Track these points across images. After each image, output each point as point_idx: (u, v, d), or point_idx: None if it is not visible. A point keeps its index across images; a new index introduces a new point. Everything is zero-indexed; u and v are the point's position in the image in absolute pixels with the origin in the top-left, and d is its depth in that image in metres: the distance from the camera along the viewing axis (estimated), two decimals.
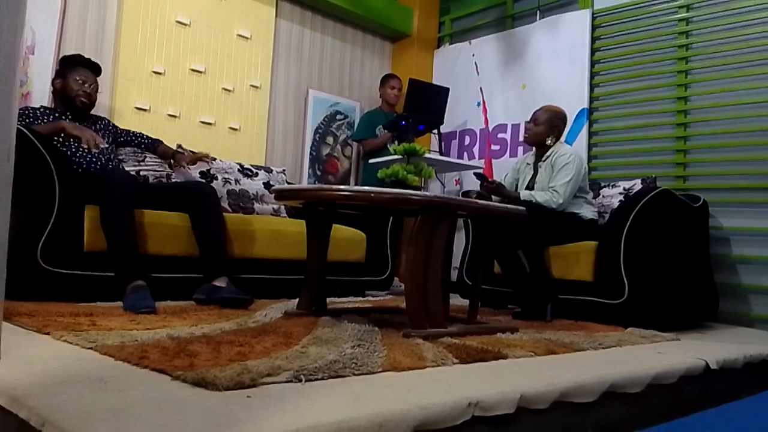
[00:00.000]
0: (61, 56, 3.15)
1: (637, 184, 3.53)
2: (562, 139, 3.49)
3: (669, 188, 3.16)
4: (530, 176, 3.44)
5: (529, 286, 3.08)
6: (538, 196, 3.20)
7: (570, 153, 3.29)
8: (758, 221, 3.46)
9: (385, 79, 4.81)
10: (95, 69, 3.08)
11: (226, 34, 4.29)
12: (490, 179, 3.37)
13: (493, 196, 3.42)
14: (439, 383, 1.43)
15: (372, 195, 2.12)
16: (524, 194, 3.23)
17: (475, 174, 3.43)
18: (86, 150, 2.82)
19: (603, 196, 3.62)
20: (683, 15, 3.89)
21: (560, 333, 2.44)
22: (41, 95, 3.34)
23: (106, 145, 2.91)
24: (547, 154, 3.36)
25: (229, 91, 4.30)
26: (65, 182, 2.51)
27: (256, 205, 3.61)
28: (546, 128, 3.37)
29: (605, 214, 3.46)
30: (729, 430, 1.77)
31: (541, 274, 3.09)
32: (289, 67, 4.69)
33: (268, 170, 3.85)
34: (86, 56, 3.11)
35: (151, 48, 3.93)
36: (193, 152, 3.54)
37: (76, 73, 2.98)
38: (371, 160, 4.38)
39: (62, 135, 2.73)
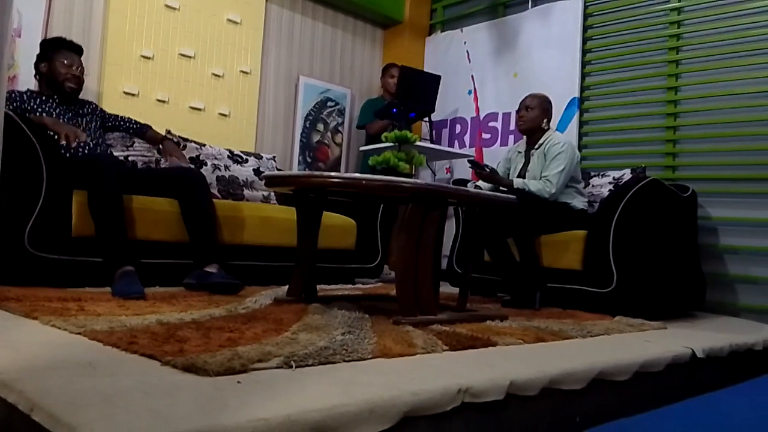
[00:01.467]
0: (41, 40, 3.06)
1: (626, 174, 3.54)
2: (553, 125, 3.50)
3: (658, 178, 3.18)
4: (521, 165, 3.44)
5: (519, 274, 3.09)
6: (531, 184, 3.20)
7: (563, 142, 3.29)
8: (746, 211, 3.48)
9: (386, 69, 4.78)
10: (79, 50, 3.03)
11: (216, 18, 4.25)
12: (483, 165, 3.36)
13: (484, 184, 3.43)
14: (430, 370, 1.43)
15: (363, 182, 2.12)
16: (517, 182, 3.24)
17: (468, 161, 3.43)
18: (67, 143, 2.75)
19: (593, 186, 3.63)
20: (674, 4, 3.89)
21: (549, 321, 2.45)
22: (28, 78, 3.28)
23: (87, 140, 2.84)
24: (540, 142, 3.36)
25: (218, 76, 4.26)
26: (53, 167, 2.48)
27: (246, 192, 3.60)
28: (539, 112, 3.37)
29: (594, 203, 3.47)
30: (715, 418, 1.79)
31: (531, 263, 3.10)
32: (279, 53, 4.66)
33: (258, 157, 3.83)
34: (73, 39, 3.06)
35: (140, 32, 3.88)
36: (183, 138, 3.51)
37: (62, 56, 2.93)
38: (361, 148, 4.36)
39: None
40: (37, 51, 2.99)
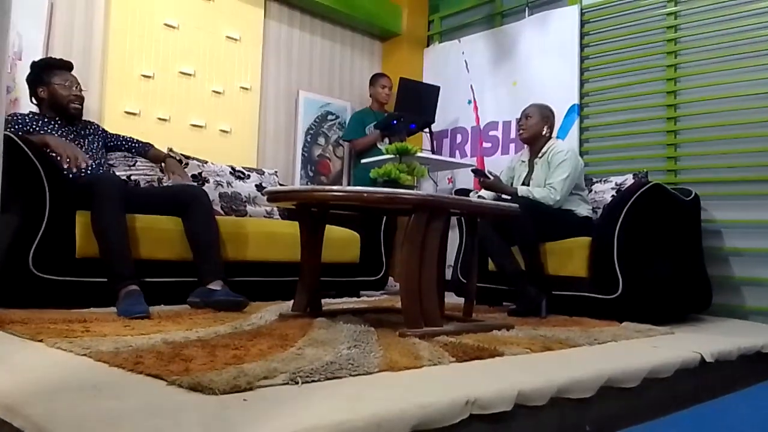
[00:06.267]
0: (30, 63, 3.00)
1: (628, 179, 3.54)
2: (554, 134, 3.50)
3: (661, 182, 3.17)
4: (525, 174, 3.45)
5: (524, 282, 3.08)
6: (536, 192, 3.21)
7: (567, 150, 3.30)
8: (750, 213, 3.47)
9: (375, 78, 4.80)
10: (70, 67, 3.00)
11: (215, 36, 4.28)
12: (486, 173, 3.37)
13: (487, 193, 3.43)
14: (437, 382, 1.43)
15: (365, 195, 2.12)
16: (522, 190, 3.24)
17: (472, 170, 3.44)
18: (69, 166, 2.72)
19: (595, 192, 3.63)
20: (672, 9, 3.90)
21: (556, 329, 2.44)
22: (29, 101, 3.31)
23: (90, 163, 2.79)
24: (543, 150, 3.37)
25: (219, 93, 4.28)
26: (56, 188, 2.48)
27: (249, 208, 3.60)
28: (540, 119, 3.40)
29: (598, 209, 3.47)
30: (725, 422, 1.78)
31: (537, 271, 3.09)
32: (279, 69, 4.68)
33: (260, 172, 3.83)
34: (72, 61, 3.06)
35: (140, 51, 3.91)
36: (185, 156, 3.52)
37: (58, 77, 2.90)
38: (363, 160, 4.37)
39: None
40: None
